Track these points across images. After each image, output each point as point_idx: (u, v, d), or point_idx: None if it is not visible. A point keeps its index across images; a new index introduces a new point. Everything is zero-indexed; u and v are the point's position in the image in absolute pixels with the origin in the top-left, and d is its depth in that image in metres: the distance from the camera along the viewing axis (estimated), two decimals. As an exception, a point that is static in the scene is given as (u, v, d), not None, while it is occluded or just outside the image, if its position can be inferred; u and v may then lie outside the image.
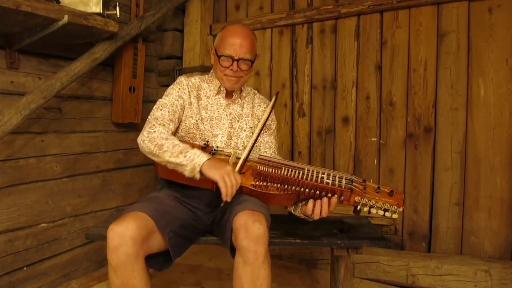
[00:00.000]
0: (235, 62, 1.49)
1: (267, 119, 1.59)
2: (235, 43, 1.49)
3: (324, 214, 1.29)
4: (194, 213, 1.47)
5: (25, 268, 1.87)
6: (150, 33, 2.58)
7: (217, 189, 1.26)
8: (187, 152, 1.28)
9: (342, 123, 2.38)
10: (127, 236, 1.18)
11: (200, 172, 1.26)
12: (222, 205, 1.27)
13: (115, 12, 1.84)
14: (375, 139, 2.29)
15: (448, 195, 2.10)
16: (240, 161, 1.37)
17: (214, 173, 1.23)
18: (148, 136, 1.38)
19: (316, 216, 1.30)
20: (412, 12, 2.17)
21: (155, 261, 1.35)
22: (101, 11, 1.77)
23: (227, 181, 1.22)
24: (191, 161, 1.26)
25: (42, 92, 1.70)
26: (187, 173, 1.28)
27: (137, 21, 2.19)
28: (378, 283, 2.09)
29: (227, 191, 1.22)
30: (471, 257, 2.02)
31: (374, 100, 2.29)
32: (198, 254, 2.48)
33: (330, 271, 1.72)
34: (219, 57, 1.51)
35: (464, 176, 2.07)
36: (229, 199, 1.23)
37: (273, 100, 1.66)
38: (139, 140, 1.41)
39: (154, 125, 1.41)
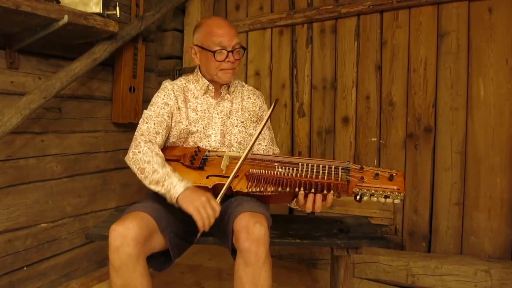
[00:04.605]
0: (230, 53, 1.48)
1: (261, 130, 1.48)
2: (224, 34, 1.47)
3: (318, 209, 1.26)
4: None
5: (25, 268, 1.86)
6: (150, 33, 2.58)
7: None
8: (164, 181, 1.31)
9: (342, 123, 2.38)
10: (129, 237, 1.18)
11: (177, 203, 1.28)
12: (198, 236, 1.27)
13: (115, 12, 1.84)
14: (375, 139, 2.29)
15: (448, 195, 2.10)
16: (229, 180, 1.33)
17: (188, 206, 1.25)
18: (133, 158, 1.42)
19: (308, 210, 1.28)
20: (412, 12, 2.16)
21: (155, 261, 1.34)
22: (101, 11, 1.76)
23: (202, 213, 1.22)
24: (168, 192, 1.29)
25: (42, 92, 1.70)
26: (167, 200, 1.31)
27: (137, 21, 2.19)
28: (378, 283, 2.09)
29: (203, 223, 1.23)
30: (471, 257, 2.02)
31: (374, 100, 2.29)
32: (198, 254, 2.47)
33: (330, 271, 1.72)
34: (213, 52, 1.47)
35: (464, 176, 2.07)
36: (207, 229, 1.24)
37: (272, 106, 1.52)
38: (126, 159, 1.45)
39: (139, 143, 1.43)
